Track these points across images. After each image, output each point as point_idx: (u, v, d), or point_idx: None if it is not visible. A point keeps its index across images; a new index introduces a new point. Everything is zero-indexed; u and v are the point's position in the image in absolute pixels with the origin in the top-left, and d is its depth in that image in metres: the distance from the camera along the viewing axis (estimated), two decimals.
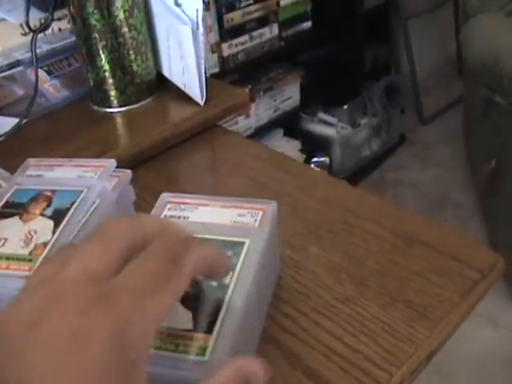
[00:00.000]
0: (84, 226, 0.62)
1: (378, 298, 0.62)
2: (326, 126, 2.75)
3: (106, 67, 0.96)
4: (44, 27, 1.02)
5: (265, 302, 0.61)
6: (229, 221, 0.59)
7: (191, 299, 0.49)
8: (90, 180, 0.66)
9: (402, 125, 3.11)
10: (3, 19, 1.05)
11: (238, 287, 0.51)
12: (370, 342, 0.57)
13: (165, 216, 0.60)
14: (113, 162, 0.69)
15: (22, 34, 1.08)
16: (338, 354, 0.56)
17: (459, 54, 3.36)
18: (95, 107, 1.01)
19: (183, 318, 0.48)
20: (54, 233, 0.60)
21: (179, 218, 0.60)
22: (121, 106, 0.99)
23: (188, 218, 0.60)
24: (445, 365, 1.89)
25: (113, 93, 0.98)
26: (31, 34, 1.02)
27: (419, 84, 3.18)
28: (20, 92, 1.02)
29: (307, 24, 2.56)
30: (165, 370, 0.45)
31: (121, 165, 0.70)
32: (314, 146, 2.75)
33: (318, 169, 2.52)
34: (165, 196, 0.63)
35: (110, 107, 0.99)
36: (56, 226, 0.60)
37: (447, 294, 0.62)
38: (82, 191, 0.64)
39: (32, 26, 1.03)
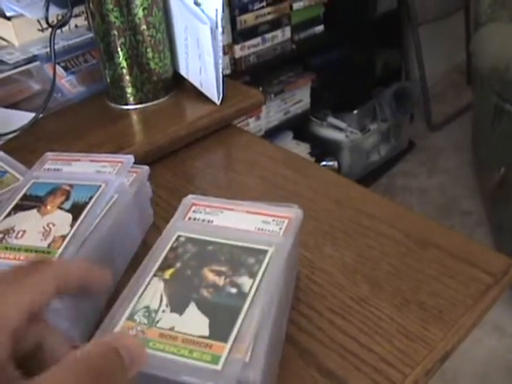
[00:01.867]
0: (102, 221, 0.62)
1: (392, 299, 0.62)
2: (336, 130, 2.75)
3: (124, 64, 0.96)
4: (63, 23, 1.03)
5: (286, 308, 0.61)
6: (253, 227, 0.58)
7: (209, 305, 0.49)
8: (108, 175, 0.67)
9: (410, 131, 3.11)
10: (21, 14, 1.05)
11: (258, 296, 0.50)
12: (384, 342, 0.57)
13: (189, 218, 0.60)
14: (130, 158, 0.69)
15: (39, 30, 1.09)
16: (353, 354, 0.56)
17: (469, 63, 3.36)
18: (112, 104, 1.02)
19: (199, 324, 0.48)
20: (72, 226, 0.60)
21: (203, 221, 0.59)
22: (137, 104, 1.00)
23: (212, 221, 0.59)
24: (450, 371, 1.89)
25: (129, 90, 0.98)
26: (48, 29, 1.02)
27: (429, 91, 3.18)
28: (36, 87, 1.03)
29: (319, 28, 2.57)
30: (177, 377, 0.45)
31: (136, 161, 0.70)
32: (323, 149, 2.75)
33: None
34: (189, 198, 0.62)
35: (127, 104, 1.00)
36: (74, 219, 0.61)
37: (461, 297, 0.62)
38: (100, 186, 0.65)
39: (50, 21, 1.03)
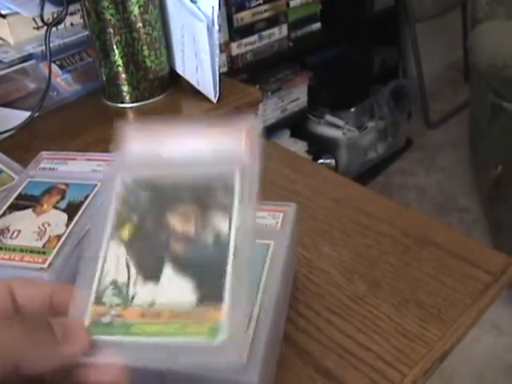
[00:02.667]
0: None
1: (390, 299, 0.62)
2: (333, 128, 2.74)
3: (120, 62, 0.96)
4: (58, 21, 1.02)
5: (284, 306, 0.59)
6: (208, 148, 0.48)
7: (187, 263, 0.42)
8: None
9: (408, 129, 3.11)
10: (16, 12, 1.05)
11: (241, 239, 0.42)
12: (382, 341, 0.57)
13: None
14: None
15: (35, 28, 1.08)
16: (351, 353, 0.56)
17: (466, 60, 3.36)
18: (107, 102, 1.01)
19: (183, 290, 0.40)
20: (67, 226, 0.60)
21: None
22: (133, 102, 0.99)
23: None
24: (447, 369, 1.89)
25: (125, 88, 0.98)
26: (44, 27, 1.02)
27: (426, 88, 3.18)
28: (32, 86, 1.02)
29: (316, 25, 2.56)
30: (174, 363, 0.38)
31: None
32: (320, 147, 2.74)
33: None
34: None
35: (123, 102, 0.99)
36: (70, 219, 0.61)
37: (459, 296, 0.62)
38: (95, 185, 0.64)
39: (45, 19, 1.03)
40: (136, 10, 0.92)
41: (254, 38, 2.34)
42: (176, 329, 0.38)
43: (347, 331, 0.58)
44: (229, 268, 0.41)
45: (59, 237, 0.58)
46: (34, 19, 1.07)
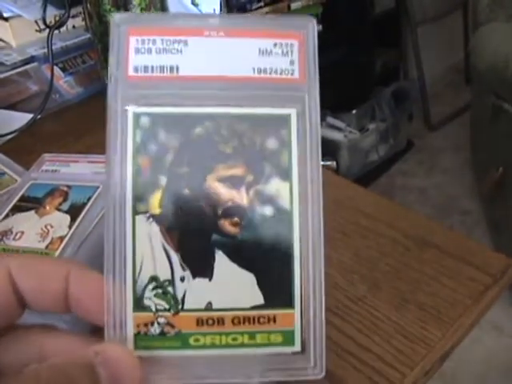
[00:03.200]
0: (100, 221, 0.62)
1: (390, 300, 0.62)
2: (334, 130, 2.74)
3: None
4: (60, 24, 1.02)
5: None
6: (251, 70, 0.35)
7: (244, 248, 0.33)
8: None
9: (409, 131, 3.11)
10: (18, 15, 1.05)
11: (308, 209, 0.34)
12: (383, 342, 0.57)
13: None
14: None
15: (37, 31, 1.08)
16: (351, 354, 0.56)
17: (467, 62, 3.36)
18: None
19: (244, 287, 0.33)
20: (70, 227, 0.60)
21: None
22: None
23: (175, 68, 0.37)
24: (448, 370, 1.89)
25: None
26: (46, 30, 1.02)
27: (427, 90, 3.18)
28: (34, 88, 1.03)
29: (317, 28, 2.56)
30: (249, 379, 0.33)
31: None
32: (321, 149, 2.74)
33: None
34: None
35: None
36: (72, 220, 0.61)
37: (459, 297, 0.62)
38: (98, 187, 0.65)
39: (47, 22, 1.03)
40: (138, 13, 0.92)
41: None
42: (246, 339, 0.33)
43: (347, 332, 0.59)
44: (296, 257, 0.34)
45: (62, 238, 0.59)
46: (36, 22, 1.07)
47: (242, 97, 0.34)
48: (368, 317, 0.60)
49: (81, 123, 0.98)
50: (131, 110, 0.34)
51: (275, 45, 0.35)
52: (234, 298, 0.33)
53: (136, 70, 0.34)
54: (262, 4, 2.31)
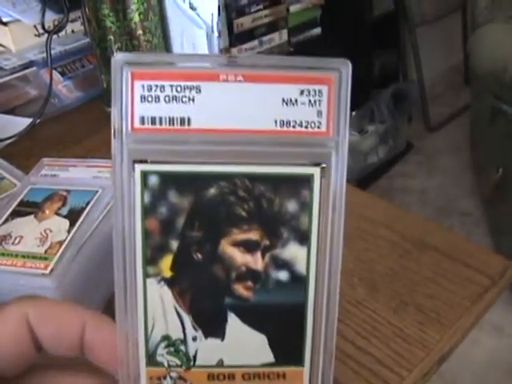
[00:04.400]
0: (99, 226, 0.62)
1: (389, 302, 0.62)
2: None
3: None
4: (59, 28, 1.03)
5: None
6: (270, 121, 0.31)
7: (257, 312, 0.32)
8: (104, 180, 0.67)
9: (408, 132, 3.11)
10: (17, 20, 1.06)
11: (324, 275, 0.32)
12: (381, 345, 0.57)
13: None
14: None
15: (36, 35, 1.09)
16: (350, 357, 0.56)
17: (466, 63, 3.36)
18: (108, 109, 1.01)
19: (255, 346, 0.32)
20: (69, 232, 0.60)
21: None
22: None
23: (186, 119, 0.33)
24: (449, 371, 1.89)
25: None
26: (45, 34, 1.02)
27: (426, 92, 3.19)
28: (33, 92, 1.03)
29: (317, 30, 2.56)
30: None
31: None
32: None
33: None
34: None
35: None
36: (71, 225, 0.61)
37: (458, 299, 0.63)
38: (97, 191, 0.65)
39: (46, 27, 1.03)
40: (136, 18, 0.93)
41: (255, 43, 2.34)
42: None
43: (346, 335, 0.59)
44: (308, 320, 0.32)
45: (61, 243, 0.59)
46: (35, 26, 1.07)
47: (261, 154, 0.31)
48: (367, 320, 0.60)
49: (80, 127, 0.98)
50: (138, 168, 0.31)
51: (301, 92, 0.31)
52: (244, 356, 0.32)
53: (142, 121, 0.30)
54: (260, 7, 2.31)
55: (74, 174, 0.69)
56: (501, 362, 1.96)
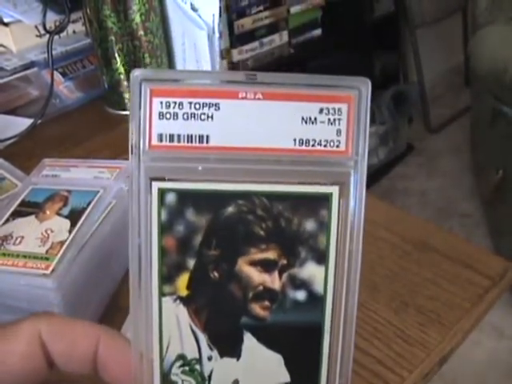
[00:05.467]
0: (100, 226, 0.63)
1: (389, 303, 0.62)
2: None
3: (121, 70, 0.97)
4: (60, 29, 1.03)
5: None
6: (288, 139, 0.31)
7: (273, 332, 0.32)
8: (106, 181, 0.67)
9: (409, 134, 3.11)
10: (18, 20, 1.06)
11: (341, 296, 0.32)
12: (382, 345, 0.57)
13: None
14: (129, 164, 0.69)
15: (37, 36, 1.09)
16: None
17: (466, 65, 3.36)
18: (110, 109, 1.02)
19: (271, 367, 0.32)
20: (70, 232, 0.60)
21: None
22: None
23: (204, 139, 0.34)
24: (449, 372, 1.89)
25: (127, 95, 0.99)
26: (46, 35, 1.03)
27: (427, 93, 3.19)
28: (34, 93, 1.03)
29: (317, 31, 2.57)
30: None
31: None
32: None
33: None
34: None
35: (125, 110, 1.00)
36: (72, 225, 0.61)
37: (458, 300, 0.63)
38: (98, 191, 0.65)
39: (47, 27, 1.03)
40: (138, 18, 0.93)
41: (255, 44, 2.34)
42: None
43: None
44: (325, 340, 0.32)
45: (62, 243, 0.59)
46: (36, 27, 1.08)
47: (279, 172, 0.31)
48: (368, 321, 0.60)
49: (81, 128, 0.98)
50: (156, 185, 0.30)
51: (321, 111, 0.30)
52: (260, 377, 0.32)
53: (160, 138, 0.30)
54: (261, 8, 2.31)
55: (75, 174, 0.69)
56: (501, 363, 1.96)
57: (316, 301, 0.31)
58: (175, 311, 0.31)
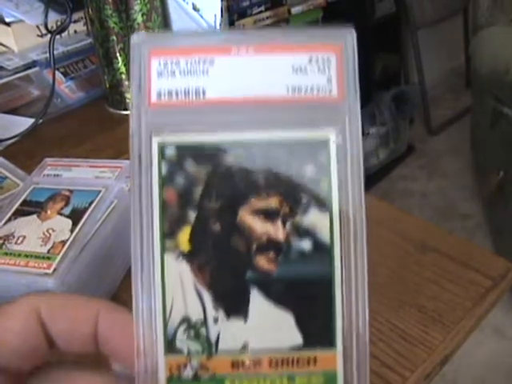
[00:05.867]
0: (101, 226, 0.63)
1: (391, 304, 0.62)
2: None
3: (123, 69, 0.97)
4: (62, 29, 1.03)
5: None
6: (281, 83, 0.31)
7: (281, 287, 0.30)
8: (107, 180, 0.67)
9: (410, 135, 3.11)
10: (20, 20, 1.06)
11: (349, 243, 0.30)
12: (383, 345, 0.57)
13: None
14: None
15: (38, 36, 1.09)
16: None
17: (467, 66, 3.36)
18: (111, 109, 1.02)
19: (282, 327, 0.30)
20: (72, 231, 0.60)
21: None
22: None
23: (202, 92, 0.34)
24: (450, 373, 1.89)
25: (129, 95, 0.99)
26: (47, 35, 1.03)
27: (428, 94, 3.19)
28: (36, 93, 1.03)
29: None
30: None
31: None
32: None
33: None
34: None
35: (126, 109, 1.00)
36: (74, 224, 0.61)
37: (460, 300, 0.63)
38: (99, 191, 0.65)
39: (49, 27, 1.04)
40: (139, 18, 0.93)
41: None
42: (285, 382, 0.30)
43: None
44: (337, 293, 0.30)
45: (64, 242, 0.59)
46: (37, 27, 1.08)
47: (275, 120, 0.31)
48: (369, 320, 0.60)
49: (82, 128, 0.98)
50: (156, 140, 0.31)
51: (310, 60, 0.31)
52: (270, 339, 0.30)
53: (159, 95, 0.31)
54: (262, 9, 2.31)
55: (76, 173, 0.69)
56: (501, 364, 1.96)
57: (323, 250, 0.30)
58: (178, 268, 0.30)
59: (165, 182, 0.31)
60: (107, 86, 1.00)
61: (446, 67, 3.61)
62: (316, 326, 0.30)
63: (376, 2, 2.80)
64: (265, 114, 0.31)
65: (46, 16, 1.02)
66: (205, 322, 0.30)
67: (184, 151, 0.31)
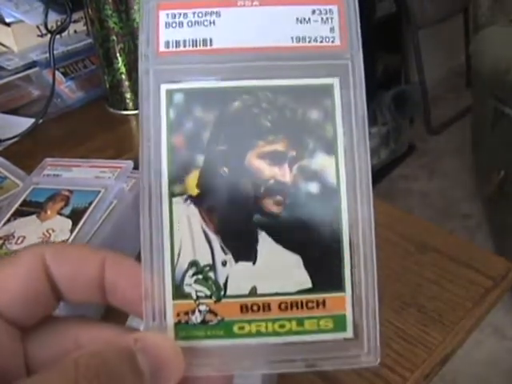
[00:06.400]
0: (101, 226, 0.63)
1: (391, 303, 0.62)
2: None
3: (123, 70, 0.96)
4: (62, 29, 1.03)
5: None
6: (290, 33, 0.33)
7: (288, 228, 0.30)
8: (107, 180, 0.67)
9: (410, 134, 3.10)
10: (20, 20, 1.06)
11: (355, 184, 0.31)
12: (384, 346, 0.57)
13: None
14: (130, 164, 0.69)
15: (38, 36, 1.09)
16: None
17: (468, 65, 3.36)
18: (111, 109, 1.02)
19: (290, 270, 0.30)
20: (71, 232, 0.60)
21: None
22: (136, 109, 0.99)
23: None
24: (450, 373, 1.89)
25: (129, 95, 0.99)
26: (47, 35, 1.03)
27: (428, 94, 3.18)
28: (36, 93, 1.03)
29: None
30: (300, 367, 0.30)
31: (135, 168, 0.70)
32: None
33: None
34: None
35: (126, 110, 1.00)
36: (74, 225, 0.61)
37: (460, 300, 0.63)
38: (99, 191, 0.65)
39: (49, 27, 1.03)
40: (139, 18, 0.92)
41: None
42: (294, 325, 0.30)
43: None
44: (345, 236, 0.30)
45: (64, 242, 0.59)
46: (37, 27, 1.07)
47: (280, 68, 0.32)
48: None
49: (82, 128, 0.98)
50: (164, 87, 0.32)
51: (313, 12, 0.32)
52: (279, 282, 0.30)
53: (167, 45, 0.32)
54: None
55: (76, 174, 0.69)
56: (501, 365, 1.96)
57: (330, 192, 0.31)
58: (186, 212, 0.31)
59: (173, 127, 0.31)
60: (107, 86, 1.00)
61: (446, 67, 3.61)
62: (325, 269, 0.30)
63: (376, 2, 2.79)
64: (270, 62, 0.32)
65: (46, 16, 1.02)
66: (213, 265, 0.30)
67: (191, 97, 0.32)
